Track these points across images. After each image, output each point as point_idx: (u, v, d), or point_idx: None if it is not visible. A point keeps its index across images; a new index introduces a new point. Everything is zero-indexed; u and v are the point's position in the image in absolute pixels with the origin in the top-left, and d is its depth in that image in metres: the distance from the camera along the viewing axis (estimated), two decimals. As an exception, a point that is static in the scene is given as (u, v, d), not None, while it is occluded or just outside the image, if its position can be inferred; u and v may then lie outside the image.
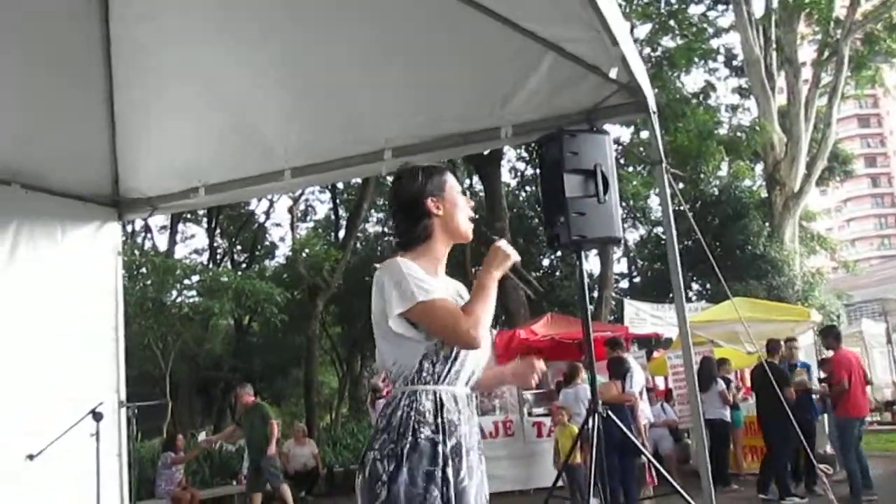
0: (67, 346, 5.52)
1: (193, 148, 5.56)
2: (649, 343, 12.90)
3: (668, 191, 4.41)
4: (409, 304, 1.97)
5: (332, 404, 26.25)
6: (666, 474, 4.62)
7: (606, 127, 4.68)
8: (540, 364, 2.27)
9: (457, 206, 2.20)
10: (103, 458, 5.40)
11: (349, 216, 20.94)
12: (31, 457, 4.89)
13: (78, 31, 4.82)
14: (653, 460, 5.16)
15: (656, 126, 4.39)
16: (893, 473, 7.79)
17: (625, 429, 4.82)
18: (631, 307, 13.77)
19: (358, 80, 4.93)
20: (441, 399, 2.00)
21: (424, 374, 2.01)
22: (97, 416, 5.35)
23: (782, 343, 8.55)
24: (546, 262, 24.51)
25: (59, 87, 4.88)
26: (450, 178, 2.24)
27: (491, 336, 8.83)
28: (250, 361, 24.33)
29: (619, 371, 7.13)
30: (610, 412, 4.49)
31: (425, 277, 2.03)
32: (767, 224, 16.63)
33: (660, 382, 12.75)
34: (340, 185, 23.64)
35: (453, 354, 2.02)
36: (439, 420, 1.98)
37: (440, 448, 1.95)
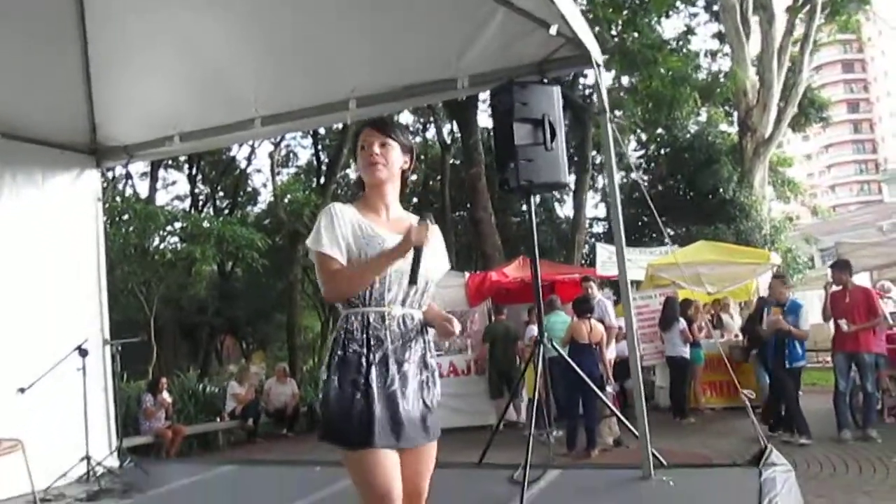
0: (53, 287, 5.86)
1: (168, 98, 5.81)
2: (606, 284, 13.25)
3: (612, 140, 4.68)
4: (311, 246, 2.32)
5: (316, 347, 26.74)
6: (607, 402, 5.02)
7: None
8: (457, 327, 2.53)
9: (361, 160, 2.44)
10: (90, 392, 5.79)
11: (329, 162, 21.02)
12: (21, 390, 5.24)
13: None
14: (602, 396, 5.48)
15: (600, 78, 4.67)
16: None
17: (574, 365, 5.23)
18: (603, 251, 14.05)
19: (323, 34, 5.18)
20: (368, 319, 2.32)
21: (353, 300, 2.33)
22: (83, 351, 5.71)
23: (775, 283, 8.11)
24: (525, 207, 24.81)
25: (35, 43, 5.10)
26: (361, 137, 2.46)
27: (463, 278, 9.22)
28: (234, 306, 24.65)
29: (583, 309, 7.43)
30: (554, 344, 4.87)
31: (333, 225, 2.31)
32: (739, 169, 16.98)
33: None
34: (322, 131, 23.61)
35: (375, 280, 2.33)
36: (365, 336, 2.30)
37: (363, 360, 2.27)
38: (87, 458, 5.67)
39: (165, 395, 9.95)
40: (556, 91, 4.82)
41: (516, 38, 4.74)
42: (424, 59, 5.10)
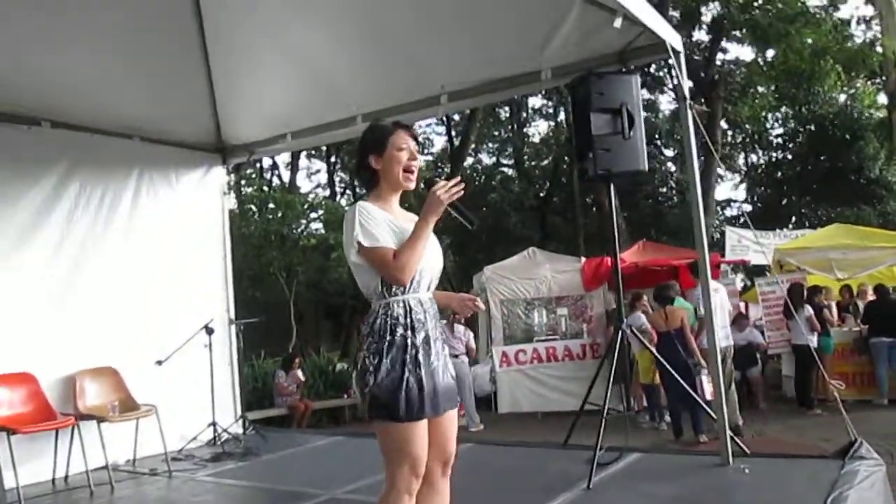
0: (185, 273, 6.59)
1: (280, 101, 6.35)
2: (740, 269, 12.82)
3: (692, 129, 4.66)
4: (358, 245, 2.48)
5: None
6: (689, 389, 5.03)
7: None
8: (479, 304, 2.87)
9: (393, 161, 2.61)
10: (216, 366, 6.47)
11: (454, 148, 21.36)
12: (159, 362, 5.96)
13: (172, 9, 5.65)
14: (685, 384, 5.39)
15: (680, 67, 4.66)
16: None
17: (649, 347, 5.26)
18: (733, 235, 13.66)
19: (415, 36, 5.48)
20: (409, 305, 2.56)
21: (394, 289, 2.54)
22: (209, 330, 6.38)
23: None
24: (664, 189, 24.13)
25: (162, 56, 5.73)
26: (394, 137, 2.63)
27: (579, 263, 9.31)
28: (374, 288, 25.68)
29: (660, 297, 7.39)
30: (633, 330, 4.94)
31: (375, 221, 2.50)
32: (887, 146, 15.72)
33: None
34: (457, 117, 23.90)
35: None
36: (408, 320, 2.54)
37: (409, 341, 2.52)
38: (214, 424, 6.37)
39: (298, 373, 10.74)
40: (634, 80, 4.87)
41: (595, 29, 4.80)
42: (508, 54, 5.27)
